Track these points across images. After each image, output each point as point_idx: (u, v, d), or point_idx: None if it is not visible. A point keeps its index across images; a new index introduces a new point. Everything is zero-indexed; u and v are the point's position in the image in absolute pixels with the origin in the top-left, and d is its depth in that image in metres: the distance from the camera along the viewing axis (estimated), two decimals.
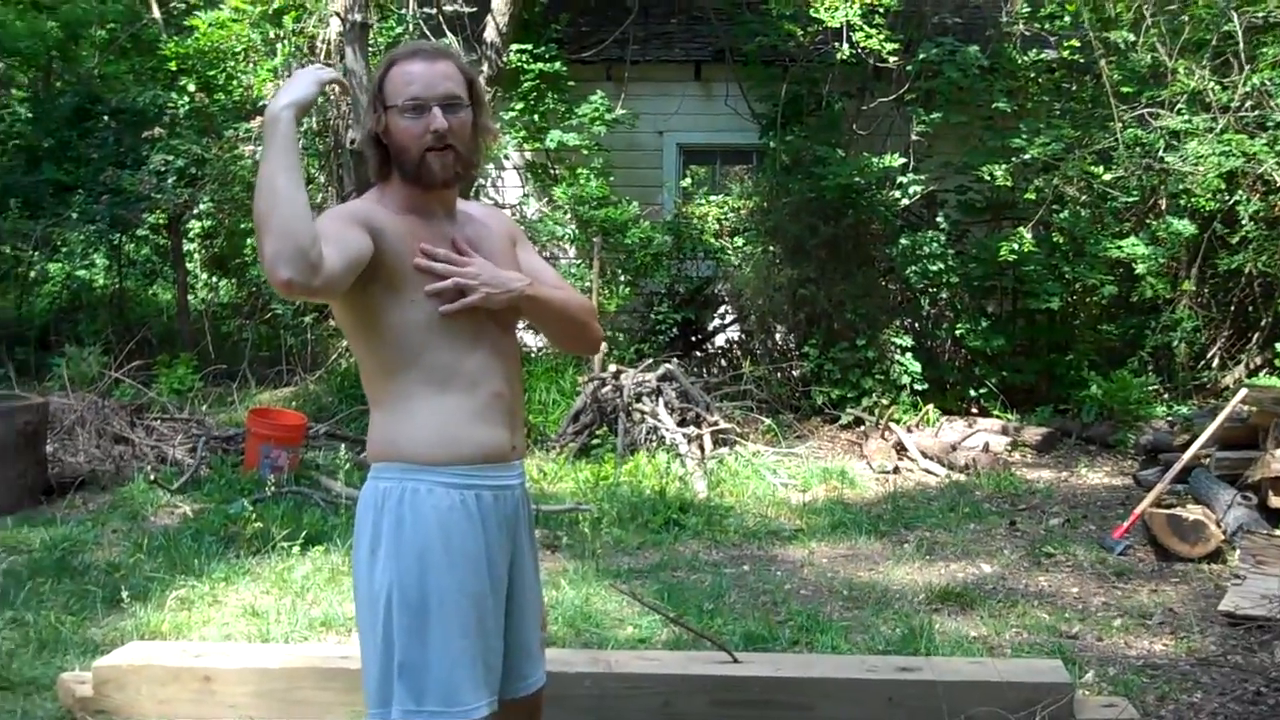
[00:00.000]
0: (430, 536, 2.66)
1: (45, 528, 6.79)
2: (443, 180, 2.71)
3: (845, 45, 10.76)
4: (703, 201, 11.72)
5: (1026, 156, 10.13)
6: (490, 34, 11.45)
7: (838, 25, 10.63)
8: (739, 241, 11.20)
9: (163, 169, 11.78)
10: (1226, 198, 10.08)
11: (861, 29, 10.64)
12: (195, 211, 12.42)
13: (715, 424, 8.75)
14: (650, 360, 9.52)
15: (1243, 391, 7.32)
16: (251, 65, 12.76)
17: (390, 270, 2.64)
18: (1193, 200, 10.15)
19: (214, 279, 13.71)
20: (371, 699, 2.69)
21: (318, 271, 2.41)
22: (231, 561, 6.24)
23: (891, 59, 10.81)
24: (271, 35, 12.34)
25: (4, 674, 4.69)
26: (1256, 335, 10.64)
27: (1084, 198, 10.43)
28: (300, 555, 6.31)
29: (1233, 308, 10.76)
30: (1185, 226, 10.08)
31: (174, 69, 13.09)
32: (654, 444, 8.42)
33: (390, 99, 2.69)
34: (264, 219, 2.40)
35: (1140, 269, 10.15)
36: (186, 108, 12.55)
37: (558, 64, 11.74)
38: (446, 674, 2.63)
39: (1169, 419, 9.35)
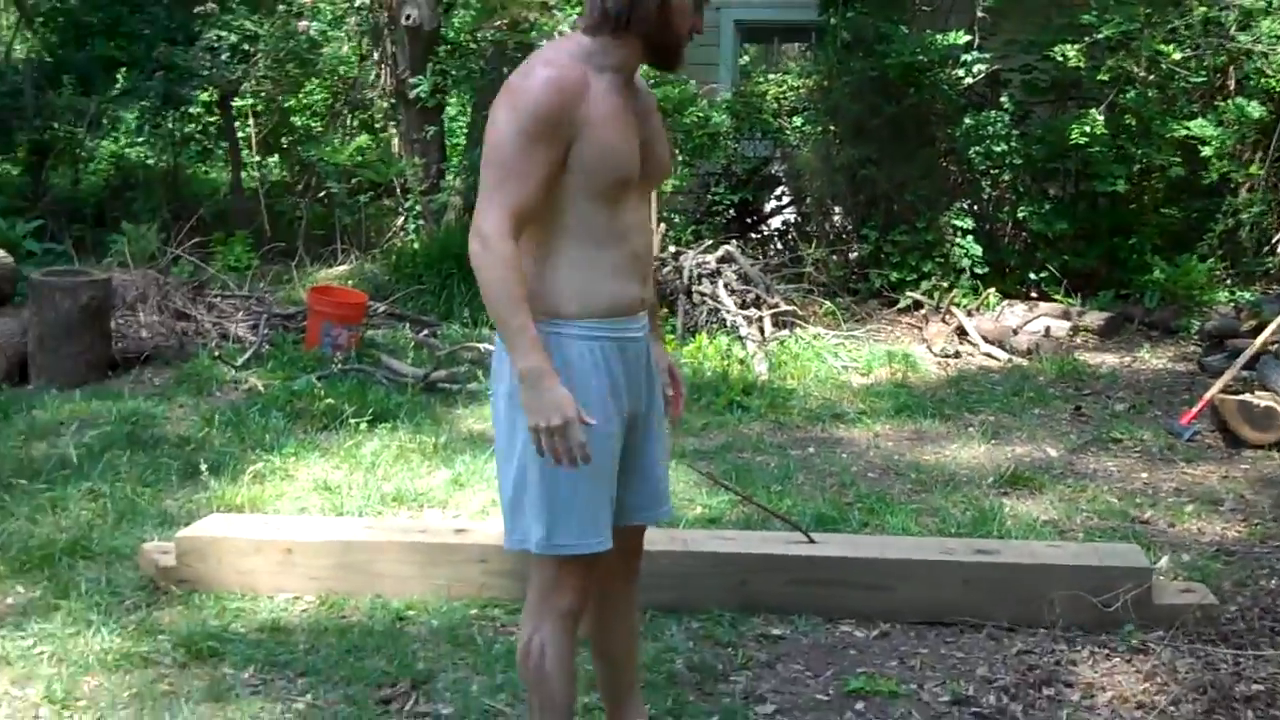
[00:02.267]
0: (565, 386, 2.79)
1: (113, 401, 6.84)
2: (681, 66, 2.91)
3: None
4: (761, 80, 11.51)
5: (1101, 35, 9.86)
6: None
7: None
8: (798, 121, 11.02)
9: (215, 45, 11.68)
10: None
11: None
12: (251, 91, 12.30)
13: (775, 306, 8.69)
14: (709, 242, 9.44)
15: None
16: None
17: (581, 156, 2.74)
18: (1264, 81, 9.88)
19: (264, 158, 13.64)
20: (509, 524, 2.93)
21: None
22: (300, 437, 6.30)
23: None
24: None
25: (85, 543, 4.77)
26: None
27: (1152, 78, 10.18)
28: (368, 431, 6.36)
29: None
30: (1255, 108, 9.82)
31: None
32: (714, 326, 8.38)
33: None
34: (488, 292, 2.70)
35: (1208, 151, 9.93)
36: None
37: None
38: (580, 511, 2.83)
39: (1233, 304, 9.22)
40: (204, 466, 5.56)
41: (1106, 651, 3.94)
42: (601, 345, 2.83)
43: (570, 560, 2.87)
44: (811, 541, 4.42)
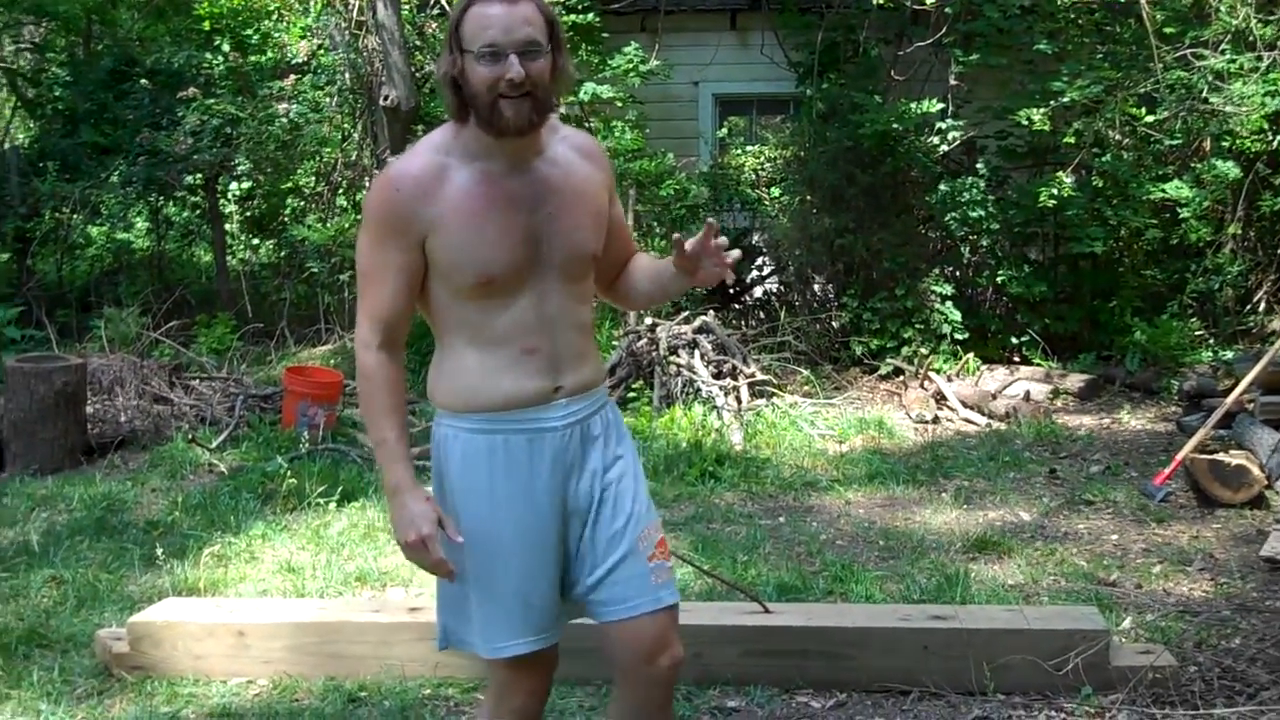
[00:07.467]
0: (459, 480, 2.77)
1: (84, 486, 6.85)
2: (516, 128, 2.58)
3: None
4: (739, 152, 11.60)
5: (1066, 99, 9.95)
6: None
7: None
8: (776, 192, 11.08)
9: (198, 129, 11.79)
10: (1270, 138, 9.87)
11: None
12: (235, 174, 12.40)
13: (752, 375, 8.69)
14: (686, 313, 9.47)
15: None
16: (285, 24, 12.73)
17: (435, 254, 2.66)
18: (1237, 141, 9.94)
19: (252, 239, 13.73)
20: (437, 621, 2.93)
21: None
22: (269, 518, 6.28)
23: (929, 1, 10.63)
24: None
25: (42, 631, 4.75)
26: None
27: (1126, 141, 10.24)
28: (336, 511, 6.35)
29: (1279, 250, 10.54)
30: (1229, 168, 9.87)
31: (208, 29, 13.08)
32: (690, 396, 8.37)
33: (467, 43, 2.56)
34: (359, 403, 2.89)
35: (1184, 212, 9.97)
36: (222, 68, 12.54)
37: (591, 15, 11.62)
38: (498, 613, 2.76)
39: (1213, 364, 9.20)
40: (159, 551, 5.53)
41: (1063, 715, 3.91)
42: (505, 439, 2.73)
43: (514, 662, 2.80)
44: (767, 611, 4.39)
